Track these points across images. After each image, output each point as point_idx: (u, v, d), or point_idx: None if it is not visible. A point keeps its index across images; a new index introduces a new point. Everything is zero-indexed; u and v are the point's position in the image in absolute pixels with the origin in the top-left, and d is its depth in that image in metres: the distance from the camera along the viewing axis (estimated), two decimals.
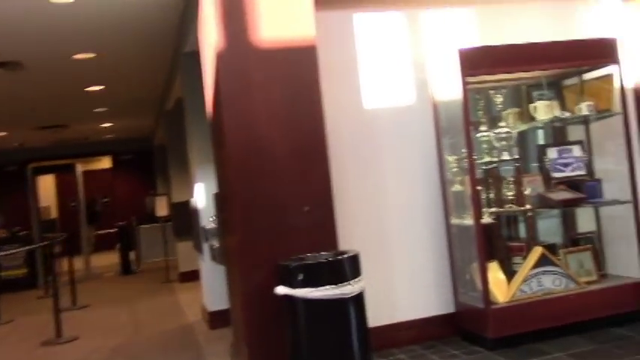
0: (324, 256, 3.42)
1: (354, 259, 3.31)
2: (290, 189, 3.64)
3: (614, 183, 4.57)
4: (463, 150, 4.17)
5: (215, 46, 3.64)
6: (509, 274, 4.24)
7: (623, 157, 4.34)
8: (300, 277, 3.20)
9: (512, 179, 4.32)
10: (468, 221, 4.18)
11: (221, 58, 3.64)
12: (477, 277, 4.09)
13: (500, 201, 4.36)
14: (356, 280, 3.28)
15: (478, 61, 4.05)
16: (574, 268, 4.32)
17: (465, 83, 4.02)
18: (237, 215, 3.57)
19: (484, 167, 4.44)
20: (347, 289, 3.20)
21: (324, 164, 3.72)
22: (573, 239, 4.58)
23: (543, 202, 4.29)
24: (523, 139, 4.72)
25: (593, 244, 4.56)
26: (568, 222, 4.75)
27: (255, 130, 3.64)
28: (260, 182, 3.61)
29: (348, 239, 3.85)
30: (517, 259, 4.33)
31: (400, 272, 4.41)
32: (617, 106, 4.38)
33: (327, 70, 4.21)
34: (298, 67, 3.73)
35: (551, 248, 4.41)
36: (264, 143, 3.63)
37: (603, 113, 4.45)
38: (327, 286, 3.17)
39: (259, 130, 3.64)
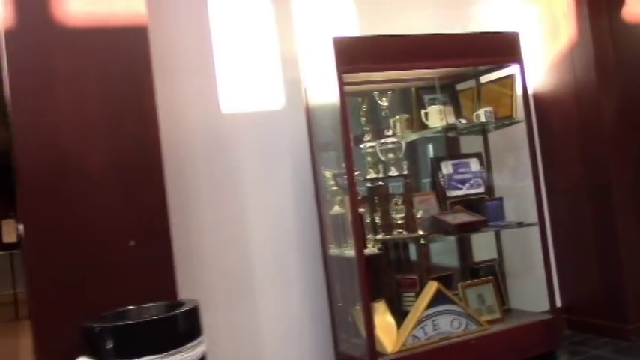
0: (150, 310, 2.54)
1: (192, 314, 2.45)
2: (109, 216, 2.73)
3: (517, 202, 4.01)
4: (343, 165, 3.44)
5: (2, 23, 2.69)
6: (401, 314, 3.54)
7: (526, 172, 3.77)
8: (110, 344, 2.30)
9: (401, 199, 3.64)
10: (350, 252, 3.44)
11: (11, 41, 2.69)
12: (360, 322, 3.35)
13: (388, 226, 3.66)
14: (194, 343, 2.41)
15: (357, 54, 3.32)
16: (475, 304, 3.68)
17: (341, 81, 3.27)
18: (29, 255, 2.61)
19: (369, 185, 3.73)
20: (179, 358, 2.34)
21: (158, 184, 2.83)
22: (473, 269, 3.96)
23: (438, 227, 3.63)
24: (414, 151, 4.05)
25: (495, 274, 3.95)
26: (466, 249, 4.13)
27: (60, 139, 2.70)
28: (66, 208, 2.66)
29: (193, 283, 3.01)
30: (409, 296, 3.63)
31: (266, 320, 3.58)
32: (518, 112, 3.82)
33: (169, 62, 3.35)
34: (122, 54, 2.84)
35: (448, 281, 3.77)
36: (71, 155, 2.70)
37: (503, 121, 3.88)
38: (149, 357, 2.29)
39: (65, 138, 2.71)
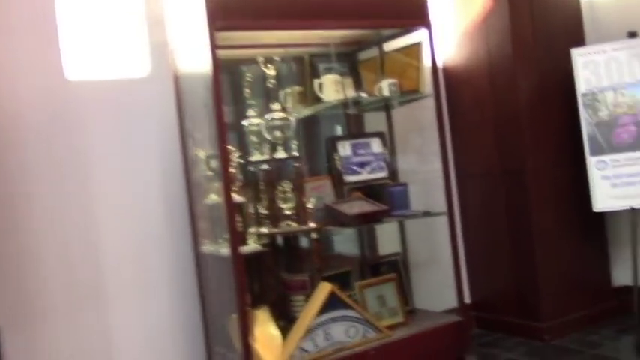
0: None
1: None
2: None
3: (424, 188, 3.57)
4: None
5: None
6: (290, 322, 3.03)
7: (435, 155, 3.33)
8: None
9: (289, 186, 3.11)
10: (226, 249, 2.89)
11: None
12: (234, 333, 2.81)
13: (275, 217, 3.13)
14: None
15: (234, 9, 2.72)
16: (374, 307, 3.22)
17: (214, 42, 2.66)
18: None
19: (252, 169, 3.18)
20: None
21: None
22: (374, 265, 3.51)
23: (333, 218, 3.14)
24: (308, 129, 3.53)
25: (399, 270, 3.52)
26: (370, 242, 3.67)
27: None
28: None
29: (16, 294, 2.36)
30: (299, 300, 3.13)
31: (118, 334, 2.95)
32: (426, 86, 3.37)
33: None
34: None
35: (345, 281, 3.30)
36: None
37: (409, 95, 3.42)
38: None
39: None
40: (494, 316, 3.90)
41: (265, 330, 2.88)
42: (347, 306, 2.99)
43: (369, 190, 3.40)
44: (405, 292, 3.44)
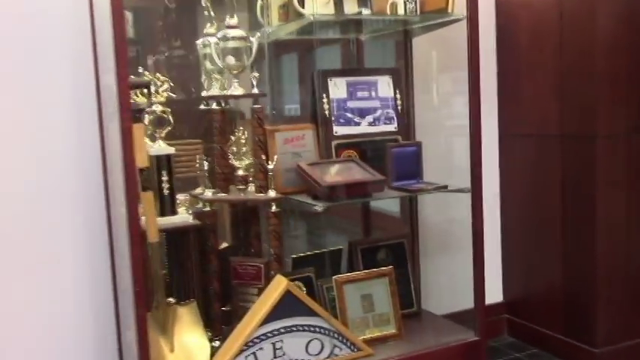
0: None
1: None
2: None
3: (452, 151, 2.63)
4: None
5: None
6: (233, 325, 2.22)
7: (463, 103, 2.37)
8: None
9: (247, 135, 2.24)
10: (165, 220, 2.08)
11: None
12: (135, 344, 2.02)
13: (226, 179, 2.28)
14: None
15: None
16: (356, 312, 2.34)
17: None
18: None
19: (203, 107, 2.31)
20: None
21: None
22: (366, 250, 2.59)
23: (306, 186, 2.26)
24: (286, 58, 2.61)
25: (404, 259, 2.61)
26: (365, 218, 2.78)
27: None
28: None
29: None
30: (249, 295, 2.30)
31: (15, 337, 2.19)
32: (459, 5, 2.37)
33: None
34: None
35: (318, 273, 2.44)
36: None
37: (434, 18, 2.43)
38: None
39: None
40: (532, 326, 2.97)
41: (188, 337, 2.08)
42: (312, 311, 2.15)
43: (370, 149, 2.49)
44: (405, 291, 2.57)
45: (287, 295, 2.09)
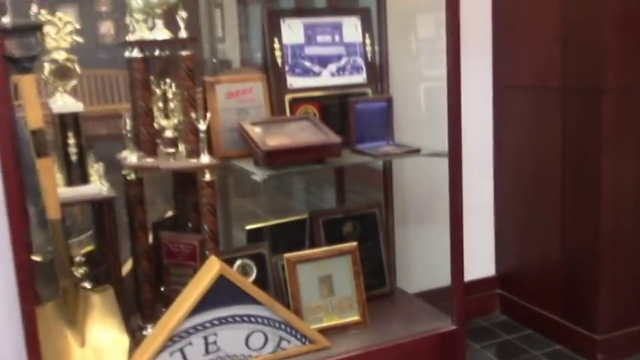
0: None
1: None
2: None
3: (420, 108, 2.25)
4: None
5: None
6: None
7: (438, 53, 1.97)
8: None
9: (175, 89, 1.87)
10: (72, 192, 1.74)
11: None
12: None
13: (152, 141, 1.92)
14: None
15: None
16: (313, 297, 1.99)
17: None
18: None
19: (128, 55, 1.95)
20: None
21: None
22: (329, 222, 2.21)
23: (248, 150, 1.90)
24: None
25: (376, 231, 2.26)
26: (338, 183, 2.43)
27: None
28: None
29: None
30: (183, 277, 1.97)
31: None
32: None
33: None
34: None
35: (276, 248, 2.11)
36: None
37: None
38: None
39: None
40: (527, 305, 2.62)
41: (102, 329, 1.77)
42: (250, 298, 1.82)
43: (333, 105, 2.11)
44: (376, 268, 2.23)
45: (220, 281, 1.76)
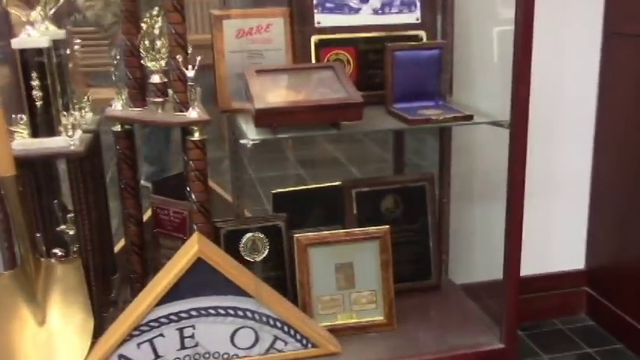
0: None
1: None
2: None
3: (483, 59, 1.75)
4: None
5: None
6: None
7: None
8: None
9: (158, 20, 1.53)
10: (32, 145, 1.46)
11: None
12: None
13: (140, 87, 1.57)
14: None
15: None
16: (327, 288, 1.62)
17: None
18: None
19: None
20: None
21: None
22: (363, 199, 1.85)
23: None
24: None
25: (424, 208, 1.83)
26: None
27: None
28: None
29: None
30: (175, 249, 1.66)
31: None
32: None
33: None
34: None
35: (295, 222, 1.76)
36: None
37: None
38: None
39: None
40: (618, 312, 2.11)
41: (67, 306, 1.52)
42: (236, 289, 1.50)
43: (374, 52, 1.68)
44: (421, 255, 1.82)
45: (199, 265, 1.45)
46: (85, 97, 1.70)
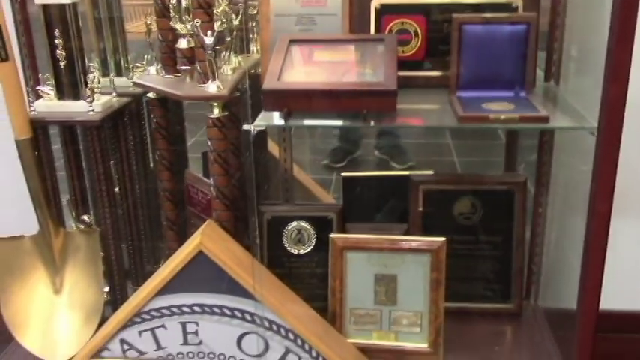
0: None
1: None
2: None
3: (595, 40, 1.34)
4: None
5: None
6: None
7: None
8: None
9: None
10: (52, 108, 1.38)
11: None
12: None
13: (171, 51, 1.40)
14: None
15: None
16: (364, 300, 1.38)
17: None
18: None
19: None
20: None
21: None
22: (433, 197, 1.53)
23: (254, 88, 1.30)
24: None
25: (502, 223, 1.51)
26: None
27: None
28: None
29: None
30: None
31: None
32: None
33: None
34: None
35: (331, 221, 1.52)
36: None
37: None
38: None
39: None
40: None
41: (82, 278, 1.45)
42: (242, 290, 1.32)
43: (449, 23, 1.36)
44: (500, 272, 1.50)
45: (200, 258, 1.30)
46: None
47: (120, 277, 1.55)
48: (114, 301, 1.55)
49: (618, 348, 1.76)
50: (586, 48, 1.32)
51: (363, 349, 1.41)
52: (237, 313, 1.33)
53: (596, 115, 1.13)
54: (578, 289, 1.25)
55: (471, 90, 1.27)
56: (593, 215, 1.16)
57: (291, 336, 1.33)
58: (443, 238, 1.38)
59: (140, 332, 1.37)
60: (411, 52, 1.38)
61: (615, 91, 1.04)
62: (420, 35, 1.37)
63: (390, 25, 1.37)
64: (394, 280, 1.41)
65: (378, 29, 1.37)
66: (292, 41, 1.28)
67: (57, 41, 1.36)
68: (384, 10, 1.37)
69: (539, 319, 1.55)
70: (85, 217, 1.51)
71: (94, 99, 1.38)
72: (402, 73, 1.23)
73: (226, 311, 1.33)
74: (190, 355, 1.38)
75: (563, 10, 1.38)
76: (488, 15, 1.24)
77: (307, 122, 1.20)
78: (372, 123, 1.18)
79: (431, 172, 1.55)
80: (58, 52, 1.37)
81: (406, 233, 1.53)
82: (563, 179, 1.51)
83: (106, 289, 1.52)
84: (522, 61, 1.25)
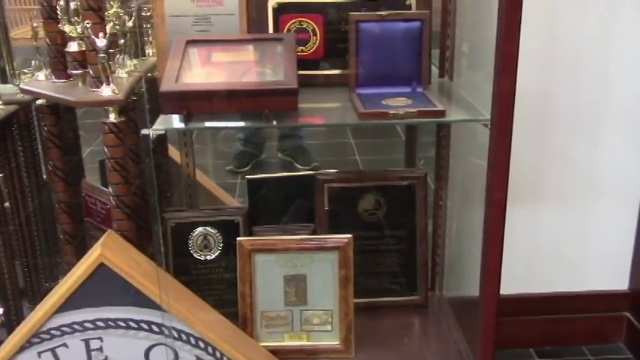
0: None
1: None
2: None
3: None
4: None
5: None
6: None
7: None
8: None
9: None
10: None
11: None
12: None
13: (61, 56, 1.37)
14: None
15: None
16: (274, 302, 1.37)
17: None
18: None
19: None
20: None
21: None
22: (337, 195, 1.56)
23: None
24: None
25: (405, 217, 1.55)
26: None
27: None
28: None
29: None
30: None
31: None
32: None
33: None
34: None
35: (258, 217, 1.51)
36: None
37: None
38: None
39: None
40: None
41: None
42: (147, 300, 1.28)
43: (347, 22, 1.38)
44: (406, 266, 1.54)
45: (102, 271, 1.25)
46: None
47: (15, 297, 1.46)
48: (9, 323, 1.46)
49: (519, 331, 1.85)
50: (476, 44, 1.38)
51: (276, 352, 1.40)
52: (144, 325, 1.28)
53: (489, 108, 1.19)
54: (479, 276, 1.30)
55: (370, 87, 1.29)
56: (491, 204, 1.21)
57: (201, 344, 1.30)
58: (349, 235, 1.39)
59: (39, 353, 1.29)
60: (310, 51, 1.39)
61: (505, 83, 1.09)
62: (318, 34, 1.38)
63: (288, 25, 1.37)
64: (303, 280, 1.41)
65: (276, 29, 1.37)
66: (189, 42, 1.26)
67: None
68: (281, 10, 1.37)
69: (444, 308, 1.60)
70: None
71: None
72: (302, 73, 1.23)
73: (132, 324, 1.28)
74: None
75: (454, 9, 1.44)
76: (383, 12, 1.26)
77: (208, 124, 1.18)
78: (275, 122, 1.18)
79: (335, 171, 1.57)
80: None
81: (313, 232, 1.53)
82: (460, 172, 1.56)
83: (0, 310, 1.44)
84: (418, 57, 1.29)
